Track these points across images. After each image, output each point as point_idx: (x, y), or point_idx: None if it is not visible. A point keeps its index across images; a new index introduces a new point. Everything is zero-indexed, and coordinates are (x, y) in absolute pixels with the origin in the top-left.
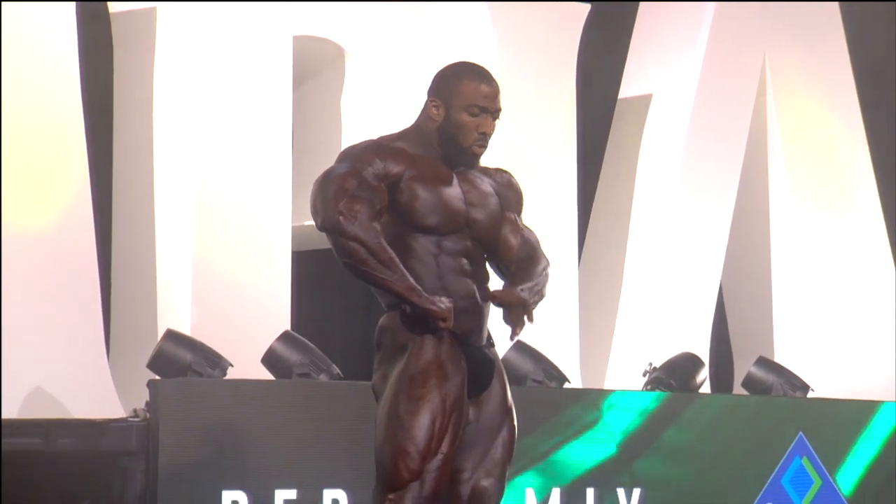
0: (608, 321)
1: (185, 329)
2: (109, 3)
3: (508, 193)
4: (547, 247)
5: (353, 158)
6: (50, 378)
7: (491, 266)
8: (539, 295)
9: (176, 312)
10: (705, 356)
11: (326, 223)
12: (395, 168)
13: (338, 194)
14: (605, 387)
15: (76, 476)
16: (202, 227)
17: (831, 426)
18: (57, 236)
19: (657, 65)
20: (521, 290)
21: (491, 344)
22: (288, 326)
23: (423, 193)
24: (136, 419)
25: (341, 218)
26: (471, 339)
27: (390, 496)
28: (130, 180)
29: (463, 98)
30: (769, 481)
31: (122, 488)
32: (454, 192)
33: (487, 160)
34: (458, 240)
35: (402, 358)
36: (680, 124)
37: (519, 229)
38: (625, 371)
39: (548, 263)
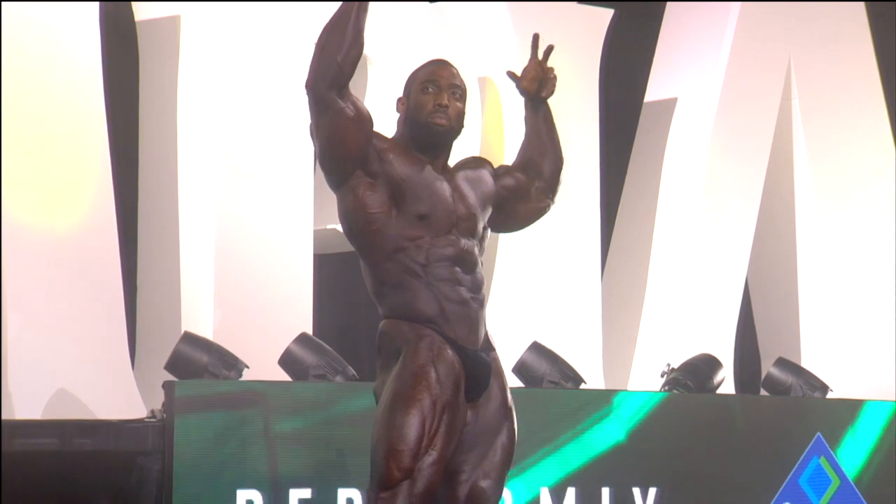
0: (632, 323)
1: (208, 332)
2: (135, 11)
3: (490, 170)
4: (570, 249)
5: None
6: (75, 381)
7: (509, 225)
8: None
9: (199, 316)
10: (729, 358)
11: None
12: (382, 144)
13: None
14: (629, 388)
15: (93, 476)
16: (225, 231)
17: (849, 426)
18: (81, 242)
19: (682, 68)
20: None
21: (491, 348)
22: (310, 329)
23: (410, 175)
24: (152, 419)
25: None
26: (466, 344)
27: (382, 494)
28: (155, 185)
29: (418, 82)
30: (786, 481)
31: (139, 487)
32: (440, 183)
33: (512, 161)
34: (448, 244)
35: (398, 362)
36: (705, 127)
37: (509, 169)
38: (649, 372)
39: None
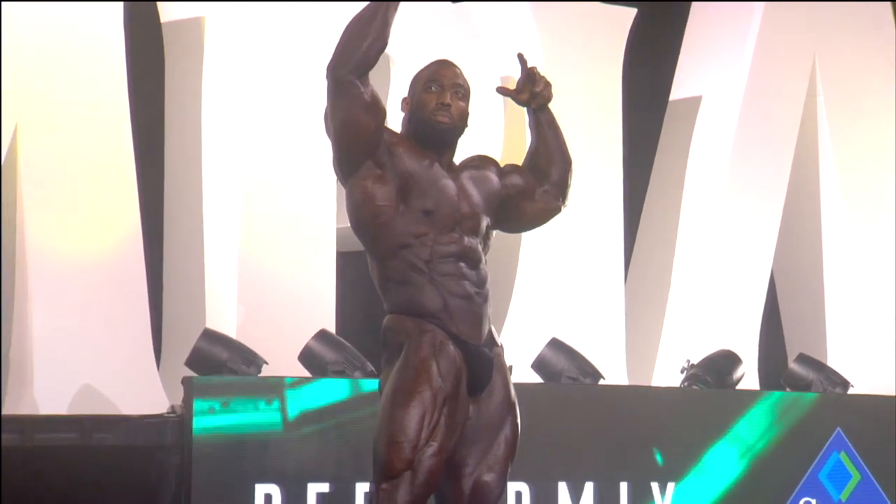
0: (656, 320)
1: (232, 328)
2: (161, 13)
3: (495, 169)
4: (594, 247)
5: None
6: (100, 378)
7: (516, 224)
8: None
9: (223, 313)
10: (753, 354)
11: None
12: (391, 138)
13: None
14: (653, 384)
15: (113, 470)
16: (249, 229)
17: (870, 422)
18: (106, 240)
19: (706, 66)
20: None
21: (494, 344)
22: (332, 326)
23: (417, 170)
24: (171, 415)
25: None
26: (469, 339)
27: (384, 486)
28: (180, 184)
29: (421, 81)
30: (806, 476)
31: (158, 482)
32: (446, 180)
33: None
34: (451, 242)
35: (400, 357)
36: (730, 125)
37: (516, 168)
38: (673, 369)
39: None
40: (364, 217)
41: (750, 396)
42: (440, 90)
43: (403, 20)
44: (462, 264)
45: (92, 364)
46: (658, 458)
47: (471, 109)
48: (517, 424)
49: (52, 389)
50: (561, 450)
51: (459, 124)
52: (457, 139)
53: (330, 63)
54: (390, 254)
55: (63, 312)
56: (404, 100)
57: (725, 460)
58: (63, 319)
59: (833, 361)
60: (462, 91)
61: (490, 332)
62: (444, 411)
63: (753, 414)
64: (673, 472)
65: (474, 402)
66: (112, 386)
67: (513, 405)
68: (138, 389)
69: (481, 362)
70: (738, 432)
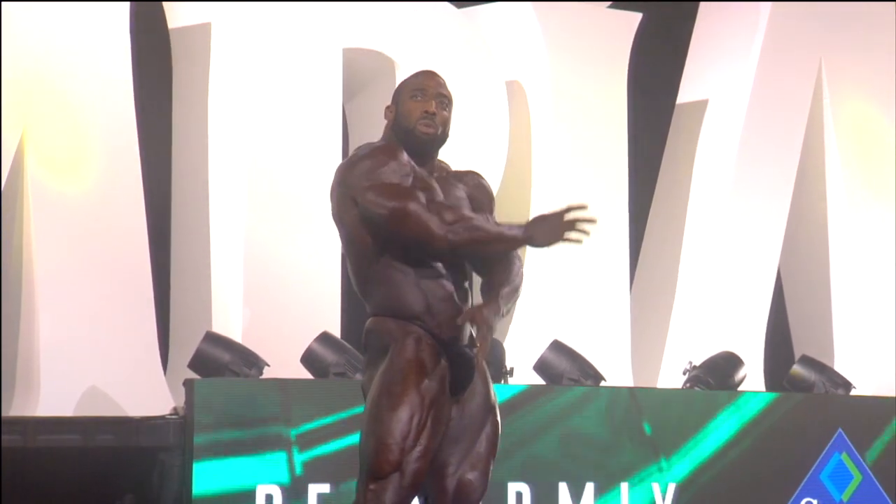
0: (662, 322)
1: (238, 331)
2: (168, 19)
3: (479, 194)
4: (598, 250)
5: (375, 163)
6: (106, 380)
7: (468, 264)
8: (512, 300)
9: (229, 316)
10: (759, 356)
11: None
12: (404, 157)
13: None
14: (659, 386)
15: (116, 471)
16: (255, 232)
17: (870, 423)
18: (113, 245)
19: (713, 70)
20: (487, 308)
21: (474, 344)
22: (338, 328)
23: (417, 177)
24: (173, 416)
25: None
26: (451, 340)
27: (371, 486)
28: (187, 189)
29: (406, 90)
30: (807, 476)
31: (160, 482)
32: (437, 186)
33: (540, 164)
34: None
35: (385, 359)
36: (736, 129)
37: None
38: (679, 371)
39: (521, 263)
40: (359, 224)
41: (752, 398)
42: (425, 99)
43: (409, 24)
44: (441, 265)
45: (99, 368)
46: (663, 462)
47: (453, 119)
48: (498, 423)
49: (58, 393)
50: (561, 450)
51: (442, 134)
52: (438, 149)
53: (444, 237)
54: (375, 256)
55: (70, 317)
56: (388, 108)
57: (727, 461)
58: (70, 324)
59: (839, 363)
60: (445, 101)
61: (471, 333)
62: (431, 413)
63: (755, 414)
64: (673, 472)
65: (456, 403)
66: (119, 389)
67: (493, 406)
68: (145, 392)
69: (464, 363)
70: (740, 433)
